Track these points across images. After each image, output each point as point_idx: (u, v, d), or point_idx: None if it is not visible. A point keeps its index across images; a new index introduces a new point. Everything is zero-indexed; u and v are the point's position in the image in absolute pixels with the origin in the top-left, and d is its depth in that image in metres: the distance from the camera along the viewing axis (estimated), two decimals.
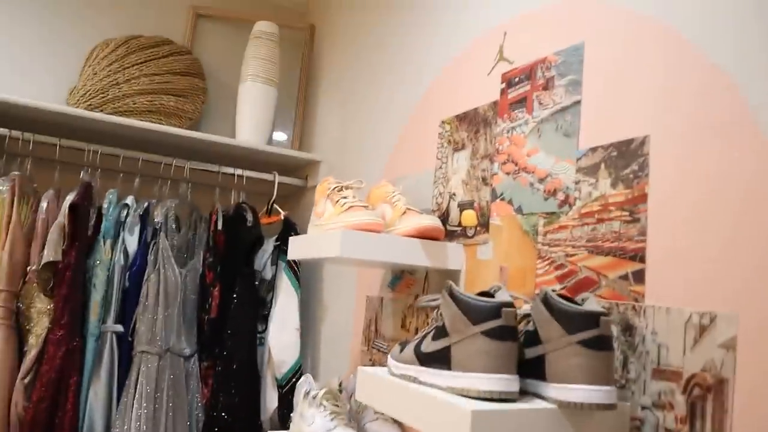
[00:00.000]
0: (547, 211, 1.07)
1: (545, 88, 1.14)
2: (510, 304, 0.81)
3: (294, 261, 1.99)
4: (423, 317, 1.39)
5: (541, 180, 1.10)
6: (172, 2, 2.38)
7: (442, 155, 1.41)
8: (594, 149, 1.00)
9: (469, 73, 1.38)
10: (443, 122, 1.44)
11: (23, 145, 1.89)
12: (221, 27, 2.46)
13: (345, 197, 1.32)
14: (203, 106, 2.27)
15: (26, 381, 1.74)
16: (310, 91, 2.43)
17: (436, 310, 0.90)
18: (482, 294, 0.87)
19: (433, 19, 1.58)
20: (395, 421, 1.36)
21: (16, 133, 1.88)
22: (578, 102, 1.05)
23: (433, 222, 1.24)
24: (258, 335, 2.02)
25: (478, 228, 1.25)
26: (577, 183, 1.02)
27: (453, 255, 1.27)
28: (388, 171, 1.67)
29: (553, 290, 0.83)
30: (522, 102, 1.19)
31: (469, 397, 0.80)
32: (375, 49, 1.88)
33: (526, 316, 0.88)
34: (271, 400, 1.94)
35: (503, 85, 1.25)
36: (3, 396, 1.71)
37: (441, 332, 0.86)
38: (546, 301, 0.83)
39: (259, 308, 2.01)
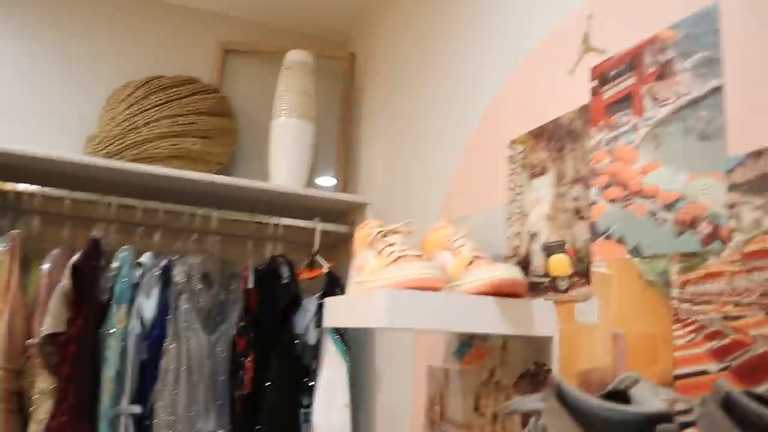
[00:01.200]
0: (684, 252, 0.73)
1: (660, 77, 0.81)
2: (667, 417, 0.47)
3: None
4: (504, 398, 1.04)
5: (669, 206, 0.76)
6: (198, 39, 2.17)
7: (516, 185, 1.09)
8: (756, 154, 0.66)
9: (543, 77, 1.06)
10: (513, 143, 1.12)
11: (28, 200, 1.67)
12: (252, 62, 2.23)
13: (392, 245, 1.01)
14: (233, 148, 2.02)
15: None
16: (352, 126, 2.15)
17: (533, 419, 0.57)
18: (609, 396, 0.53)
19: (487, 28, 1.27)
20: None
21: (22, 187, 1.66)
22: (718, 89, 0.72)
23: (510, 273, 0.91)
24: (303, 410, 1.70)
25: (573, 278, 0.91)
26: (732, 207, 0.68)
27: (541, 316, 0.93)
28: (447, 211, 1.35)
29: (737, 390, 0.49)
30: (625, 101, 0.86)
31: None
32: (422, 73, 1.59)
33: (685, 426, 0.54)
34: None
35: (595, 83, 0.93)
36: None
37: None
38: (729, 404, 0.48)
39: (301, 379, 1.70)
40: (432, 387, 1.31)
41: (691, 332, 0.70)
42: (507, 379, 1.04)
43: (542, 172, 1.02)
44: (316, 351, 1.71)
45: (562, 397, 0.52)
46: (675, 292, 0.73)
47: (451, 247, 1.00)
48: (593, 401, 0.50)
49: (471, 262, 0.94)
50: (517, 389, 1.00)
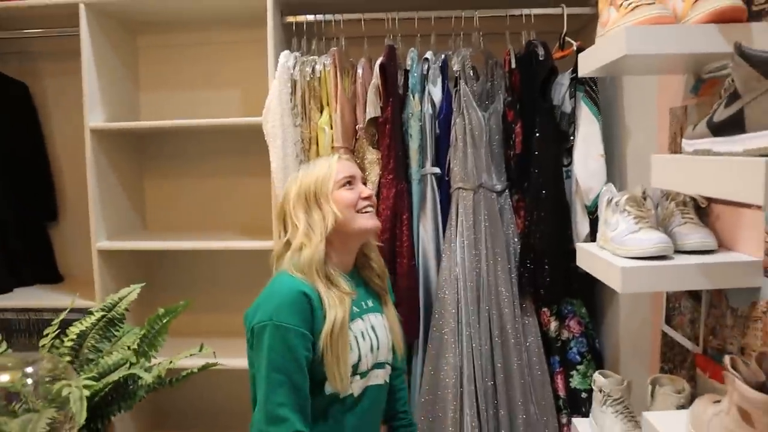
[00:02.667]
0: None
1: None
2: None
3: (592, 88, 1.98)
4: None
5: None
6: None
7: None
8: None
9: None
10: None
11: (336, 27, 2.19)
12: None
13: None
14: None
15: None
16: None
17: (728, 80, 0.87)
18: None
19: None
20: (705, 226, 1.33)
21: (329, 17, 2.18)
22: None
23: (731, 2, 1.13)
24: (564, 168, 2.09)
25: None
26: None
27: (760, 36, 1.15)
28: None
29: None
30: None
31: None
32: None
33: None
34: (582, 227, 2.03)
35: None
36: None
37: (733, 97, 0.84)
38: (741, 52, 0.74)
39: (562, 141, 2.08)
40: (673, 125, 1.59)
41: None
42: None
43: None
44: (572, 118, 2.06)
45: (743, 53, 0.81)
46: None
47: None
48: (765, 50, 0.79)
49: (696, 0, 1.18)
50: None
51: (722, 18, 1.15)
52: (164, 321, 1.15)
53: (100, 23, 2.29)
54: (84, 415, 0.94)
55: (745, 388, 0.80)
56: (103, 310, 1.21)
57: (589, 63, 1.39)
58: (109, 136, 2.37)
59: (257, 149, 2.16)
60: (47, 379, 1.00)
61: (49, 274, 2.68)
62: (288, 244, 1.44)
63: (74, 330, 1.16)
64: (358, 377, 1.40)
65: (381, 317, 1.52)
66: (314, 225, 1.41)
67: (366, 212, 1.47)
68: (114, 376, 1.05)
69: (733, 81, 0.84)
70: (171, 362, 1.08)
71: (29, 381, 0.96)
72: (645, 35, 1.15)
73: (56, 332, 1.17)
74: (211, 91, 2.62)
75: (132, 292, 1.22)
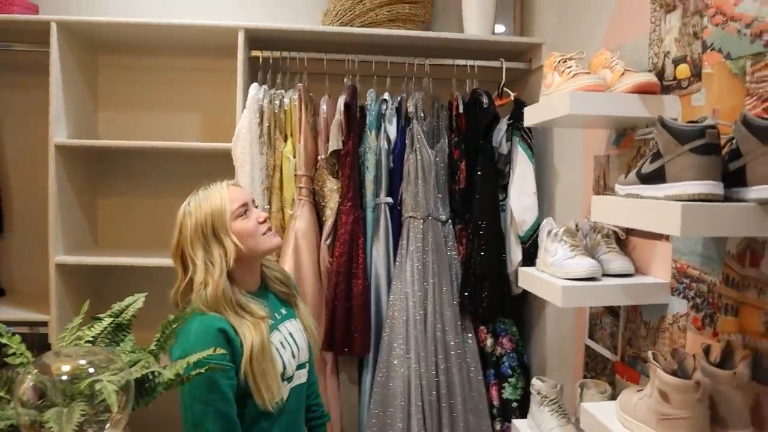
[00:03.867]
0: (754, 53, 1.22)
1: None
2: (713, 126, 1.04)
3: (527, 134, 2.28)
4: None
5: (748, 25, 1.24)
6: None
7: (656, 18, 1.57)
8: None
9: None
10: None
11: (300, 63, 2.39)
12: None
13: (569, 67, 1.57)
14: (432, 9, 2.58)
15: (328, 242, 2.30)
16: None
17: (652, 141, 1.15)
18: (690, 122, 1.10)
19: None
20: (625, 254, 1.62)
21: (294, 54, 2.38)
22: None
23: (649, 78, 1.44)
24: (500, 203, 2.37)
25: (691, 79, 1.42)
26: None
27: (669, 105, 1.46)
28: (607, 42, 1.85)
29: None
30: None
31: (681, 200, 1.05)
32: None
33: (730, 139, 1.09)
34: (515, 255, 2.30)
35: None
36: (314, 254, 2.29)
37: (656, 156, 1.11)
38: (745, 120, 1.03)
39: (499, 179, 2.36)
40: (597, 170, 1.89)
41: (754, 101, 1.21)
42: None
43: (674, 8, 1.49)
44: (508, 159, 2.34)
45: (664, 124, 1.09)
46: (748, 78, 1.24)
47: (610, 66, 1.53)
48: (679, 123, 1.07)
49: (623, 74, 1.48)
50: None
51: (642, 89, 1.45)
52: (174, 326, 1.29)
53: (69, 42, 2.38)
54: (117, 405, 1.06)
55: (663, 374, 1.06)
56: (110, 316, 1.34)
57: (534, 116, 1.67)
58: (70, 152, 2.44)
59: (216, 174, 2.29)
60: (65, 378, 1.12)
61: None
62: (191, 281, 1.46)
63: (89, 333, 1.28)
64: (285, 383, 1.49)
65: (296, 321, 1.61)
66: (214, 261, 1.43)
67: (266, 233, 1.52)
68: (135, 374, 1.18)
69: (656, 144, 1.11)
70: (187, 362, 1.23)
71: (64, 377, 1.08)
72: (583, 99, 1.44)
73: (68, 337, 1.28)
74: (170, 114, 2.73)
75: (137, 300, 1.34)
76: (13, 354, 1.17)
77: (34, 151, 2.46)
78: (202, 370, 1.21)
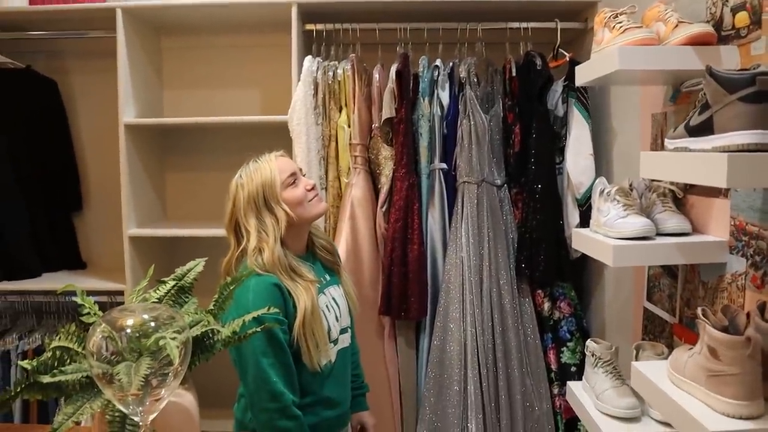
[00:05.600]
0: None
1: None
2: (765, 74, 1.00)
3: (583, 95, 2.23)
4: None
5: None
6: None
7: None
8: None
9: None
10: None
11: (352, 34, 2.41)
12: None
13: (620, 22, 1.52)
14: None
15: (383, 209, 2.33)
16: None
17: (701, 93, 1.11)
18: (742, 70, 1.06)
19: None
20: (682, 213, 1.58)
21: (346, 26, 2.40)
22: None
23: (703, 28, 1.39)
24: (556, 166, 2.34)
25: (750, 27, 1.36)
26: None
27: (727, 56, 1.40)
28: None
29: None
30: None
31: (730, 152, 1.02)
32: None
33: None
34: (573, 218, 2.27)
35: None
36: (370, 220, 2.33)
37: (704, 107, 1.08)
38: None
39: (555, 141, 2.32)
40: (654, 128, 1.84)
41: None
42: None
43: None
44: (564, 121, 2.30)
45: (712, 73, 1.05)
46: None
47: (663, 19, 1.48)
48: (727, 71, 1.03)
49: (676, 26, 1.43)
50: None
51: (696, 41, 1.40)
52: (231, 287, 1.36)
53: (134, 26, 2.49)
54: (178, 359, 1.14)
55: (712, 330, 1.04)
56: (174, 279, 1.42)
57: (585, 75, 1.63)
58: (139, 131, 2.56)
59: (275, 146, 2.36)
60: (129, 331, 1.19)
61: (73, 260, 2.86)
62: (243, 252, 1.53)
63: (155, 295, 1.37)
64: (332, 345, 1.57)
65: (338, 288, 1.67)
66: (267, 229, 1.50)
67: (313, 200, 1.59)
68: (195, 331, 1.26)
69: (704, 94, 1.08)
70: (243, 320, 1.29)
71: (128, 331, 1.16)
72: (633, 54, 1.40)
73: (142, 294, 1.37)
74: (229, 90, 2.83)
75: (198, 264, 1.42)
76: (87, 313, 1.27)
77: (106, 132, 2.60)
78: (259, 329, 1.28)
